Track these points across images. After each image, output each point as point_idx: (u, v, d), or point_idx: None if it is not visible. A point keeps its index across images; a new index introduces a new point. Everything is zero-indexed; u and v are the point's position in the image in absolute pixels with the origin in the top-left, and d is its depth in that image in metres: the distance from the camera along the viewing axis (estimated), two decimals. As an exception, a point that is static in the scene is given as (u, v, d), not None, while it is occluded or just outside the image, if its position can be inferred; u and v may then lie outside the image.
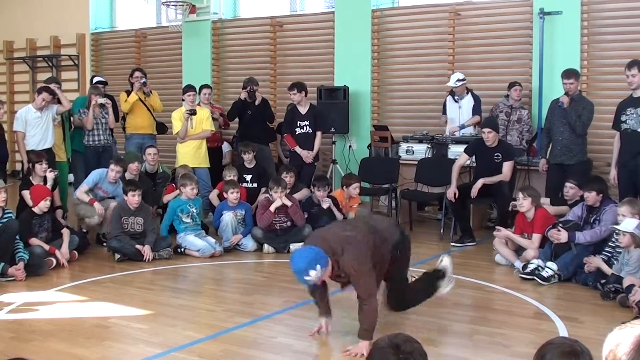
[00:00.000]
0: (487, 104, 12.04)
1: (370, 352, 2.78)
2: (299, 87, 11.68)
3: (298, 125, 11.67)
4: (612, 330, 2.14)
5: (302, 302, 6.62)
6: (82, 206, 10.07)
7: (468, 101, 11.64)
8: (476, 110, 11.60)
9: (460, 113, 11.65)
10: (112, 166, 10.10)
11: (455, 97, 11.68)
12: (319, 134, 11.76)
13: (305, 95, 11.75)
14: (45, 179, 9.76)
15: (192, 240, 9.50)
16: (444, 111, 11.92)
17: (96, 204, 9.82)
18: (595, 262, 7.61)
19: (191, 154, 11.36)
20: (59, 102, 11.33)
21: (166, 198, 10.46)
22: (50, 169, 9.83)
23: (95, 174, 10.18)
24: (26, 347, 5.81)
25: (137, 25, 16.91)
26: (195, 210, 9.73)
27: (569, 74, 9.74)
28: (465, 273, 8.34)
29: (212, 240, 9.64)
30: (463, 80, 11.56)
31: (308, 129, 11.65)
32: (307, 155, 11.55)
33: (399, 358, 2.68)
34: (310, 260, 5.43)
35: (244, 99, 12.18)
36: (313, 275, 5.42)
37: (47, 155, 10.30)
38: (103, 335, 6.16)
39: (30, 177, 9.79)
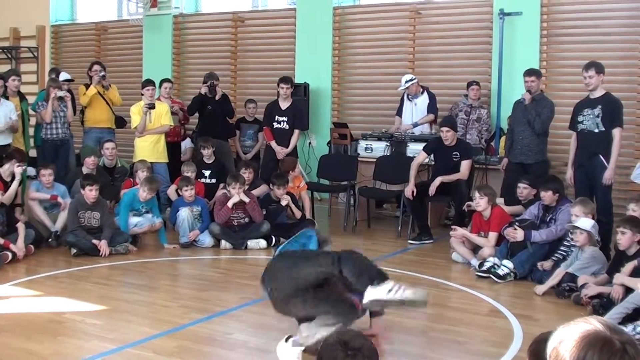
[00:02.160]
0: (447, 102, 12.12)
1: (320, 349, 2.79)
2: (292, 82, 11.87)
3: (276, 119, 11.66)
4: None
5: (259, 298, 6.59)
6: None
7: (424, 100, 11.72)
8: (431, 108, 11.68)
9: (415, 111, 11.71)
10: (42, 171, 9.89)
11: (410, 97, 11.74)
12: (296, 131, 11.74)
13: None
14: (12, 175, 9.63)
15: (132, 220, 9.59)
16: (399, 112, 11.98)
17: (60, 199, 9.71)
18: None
19: (149, 149, 11.26)
20: (20, 96, 11.30)
21: (124, 193, 10.39)
22: (18, 164, 9.67)
23: (32, 185, 9.96)
24: (-22, 341, 5.76)
25: (98, 19, 16.82)
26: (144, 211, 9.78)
27: (530, 72, 9.88)
28: (422, 270, 8.40)
29: (149, 215, 9.70)
30: (412, 80, 11.61)
31: (285, 125, 11.62)
32: (280, 151, 11.51)
33: (346, 354, 2.69)
34: None
35: (204, 93, 12.13)
36: None
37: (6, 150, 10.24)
38: (57, 330, 6.10)
39: None
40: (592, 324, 1.99)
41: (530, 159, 9.81)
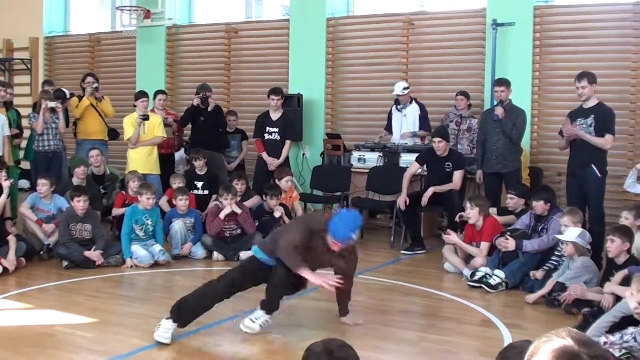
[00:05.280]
0: (439, 113, 12.14)
1: (304, 357, 2.78)
2: (282, 93, 11.84)
3: (267, 130, 11.66)
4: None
5: (249, 310, 6.55)
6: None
7: (413, 110, 11.74)
8: (424, 122, 11.73)
9: (405, 122, 11.72)
10: (39, 180, 9.79)
11: (399, 107, 11.75)
12: (287, 142, 11.72)
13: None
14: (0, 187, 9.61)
15: (135, 250, 9.23)
16: (388, 124, 12.00)
17: (44, 226, 9.58)
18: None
19: (142, 160, 11.26)
20: (7, 106, 11.24)
21: (115, 211, 10.33)
22: (5, 177, 9.65)
23: (29, 197, 9.86)
24: (-33, 355, 5.73)
25: (92, 30, 16.81)
26: (150, 223, 9.43)
27: (500, 82, 10.06)
28: (414, 281, 8.40)
29: (156, 249, 9.33)
30: (408, 88, 11.64)
31: (276, 136, 11.63)
32: (271, 163, 11.51)
33: None
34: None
35: (197, 105, 12.10)
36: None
37: None
38: (47, 343, 6.07)
39: None
40: (563, 338, 1.98)
41: (507, 167, 9.94)
